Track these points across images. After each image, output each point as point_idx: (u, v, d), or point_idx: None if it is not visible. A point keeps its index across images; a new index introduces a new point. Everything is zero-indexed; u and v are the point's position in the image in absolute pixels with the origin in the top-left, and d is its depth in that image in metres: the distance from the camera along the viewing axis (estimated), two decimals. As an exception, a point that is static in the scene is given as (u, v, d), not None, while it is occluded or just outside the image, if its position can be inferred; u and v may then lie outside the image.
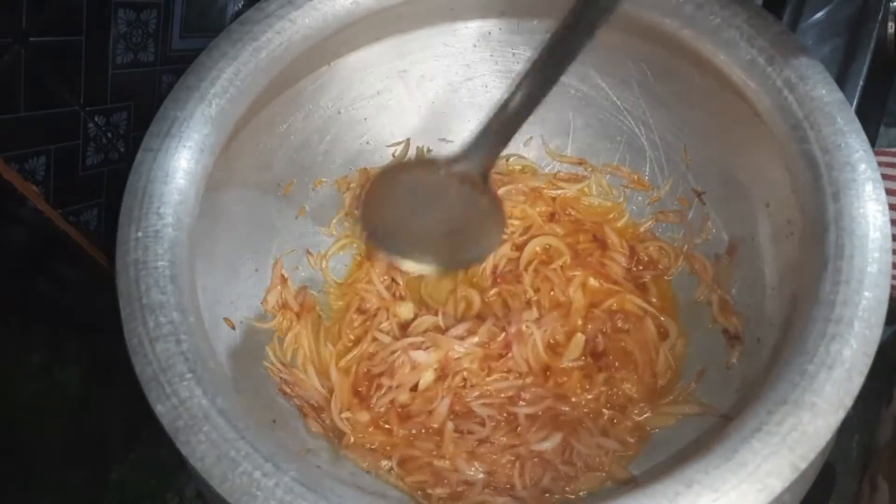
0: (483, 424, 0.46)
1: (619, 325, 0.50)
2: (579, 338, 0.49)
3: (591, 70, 0.52)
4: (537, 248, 0.53)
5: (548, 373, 0.49)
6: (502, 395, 0.47)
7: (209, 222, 0.44)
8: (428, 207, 0.44)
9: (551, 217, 0.55)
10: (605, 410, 0.47)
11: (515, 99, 0.41)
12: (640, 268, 0.52)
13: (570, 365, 0.49)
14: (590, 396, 0.48)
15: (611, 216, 0.55)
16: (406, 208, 0.44)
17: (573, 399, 0.48)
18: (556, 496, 0.44)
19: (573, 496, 0.44)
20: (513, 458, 0.45)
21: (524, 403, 0.47)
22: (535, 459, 0.45)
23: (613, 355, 0.49)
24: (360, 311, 0.53)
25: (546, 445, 0.45)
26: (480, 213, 0.44)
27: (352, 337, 0.52)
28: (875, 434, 0.49)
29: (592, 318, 0.50)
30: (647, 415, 0.47)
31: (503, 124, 0.43)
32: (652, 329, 0.50)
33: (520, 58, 0.54)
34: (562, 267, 0.52)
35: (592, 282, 0.52)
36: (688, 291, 0.51)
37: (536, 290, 0.51)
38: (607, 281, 0.52)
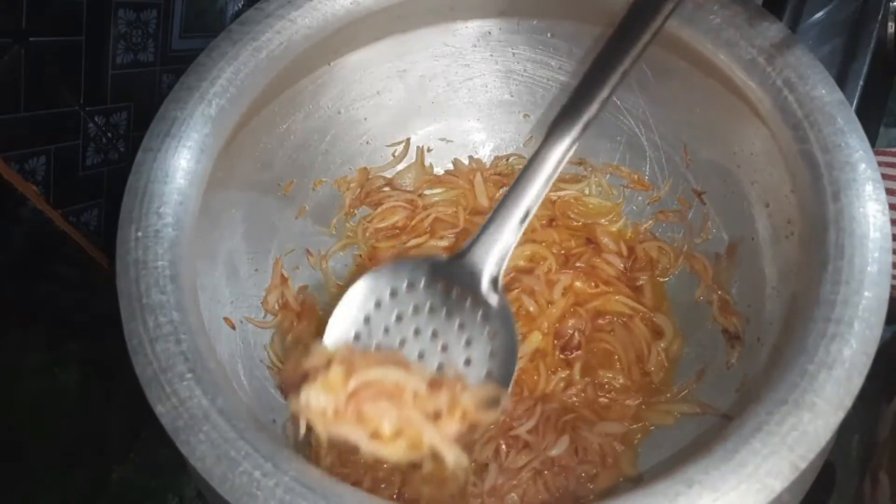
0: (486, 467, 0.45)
1: (601, 324, 0.50)
2: (535, 336, 0.49)
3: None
4: (521, 262, 0.53)
5: (516, 383, 0.49)
6: (491, 427, 0.47)
7: (209, 222, 0.44)
8: (414, 328, 0.40)
9: (550, 222, 0.55)
10: (594, 397, 0.48)
11: (531, 173, 0.38)
12: (636, 270, 0.52)
13: (530, 364, 0.49)
14: (575, 390, 0.48)
15: (610, 216, 0.55)
16: (387, 329, 0.40)
17: (563, 399, 0.48)
18: (590, 497, 0.44)
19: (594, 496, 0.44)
20: (532, 474, 0.45)
21: (519, 423, 0.46)
22: (555, 468, 0.45)
23: (591, 353, 0.50)
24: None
25: (558, 450, 0.45)
26: (483, 346, 0.39)
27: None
28: (876, 430, 0.49)
29: (572, 316, 0.50)
30: (639, 400, 0.48)
31: (518, 201, 0.38)
32: (642, 328, 0.50)
33: (520, 58, 0.54)
34: (546, 272, 0.52)
35: (579, 284, 0.52)
36: (688, 291, 0.51)
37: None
38: (597, 282, 0.52)
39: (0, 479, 0.49)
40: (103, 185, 0.52)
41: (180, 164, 0.40)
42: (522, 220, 0.39)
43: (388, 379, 0.36)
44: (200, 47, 0.43)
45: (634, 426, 0.47)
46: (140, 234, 0.38)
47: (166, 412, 0.34)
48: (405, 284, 0.41)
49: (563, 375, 0.49)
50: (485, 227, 0.40)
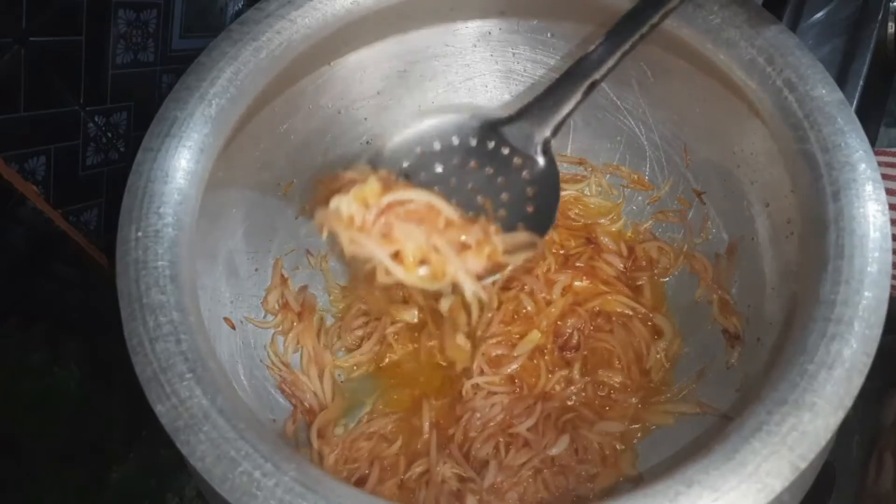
0: (486, 464, 0.45)
1: (601, 323, 0.51)
2: (534, 334, 0.50)
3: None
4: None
5: (515, 380, 0.49)
6: (491, 425, 0.47)
7: (209, 222, 0.44)
8: (455, 181, 0.39)
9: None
10: (593, 396, 0.48)
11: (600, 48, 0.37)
12: (636, 270, 0.52)
13: (530, 362, 0.49)
14: (574, 389, 0.48)
15: (610, 216, 0.55)
16: (427, 181, 0.39)
17: (563, 397, 0.48)
18: (590, 497, 0.44)
19: (594, 496, 0.45)
20: (532, 472, 0.45)
21: (519, 421, 0.47)
22: (555, 467, 0.45)
23: (590, 352, 0.50)
24: (363, 312, 0.53)
25: (558, 449, 0.45)
26: (522, 204, 0.38)
27: (350, 339, 0.52)
28: (881, 415, 0.49)
29: (571, 315, 0.50)
30: (638, 400, 0.48)
31: (582, 72, 0.37)
32: (641, 329, 0.50)
33: (520, 58, 0.54)
34: (545, 271, 0.52)
35: (578, 284, 0.52)
36: (688, 291, 0.51)
37: (499, 304, 0.50)
38: (597, 283, 0.52)
39: (0, 478, 0.49)
40: (103, 185, 0.52)
41: (180, 164, 0.40)
42: (588, 90, 0.38)
43: (422, 200, 0.35)
44: (200, 47, 0.43)
45: (634, 426, 0.47)
46: (140, 234, 0.38)
47: (166, 412, 0.34)
48: (454, 138, 0.41)
49: (563, 374, 0.49)
50: (546, 91, 0.40)
